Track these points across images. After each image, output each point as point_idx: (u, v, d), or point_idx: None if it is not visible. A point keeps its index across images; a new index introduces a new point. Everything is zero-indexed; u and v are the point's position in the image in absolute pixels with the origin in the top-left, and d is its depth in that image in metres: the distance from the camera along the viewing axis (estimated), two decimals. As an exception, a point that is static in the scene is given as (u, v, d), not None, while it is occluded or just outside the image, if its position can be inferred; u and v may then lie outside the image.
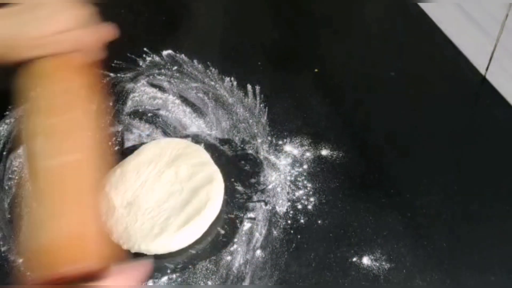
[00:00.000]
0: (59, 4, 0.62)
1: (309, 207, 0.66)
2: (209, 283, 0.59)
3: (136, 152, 0.68)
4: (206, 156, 0.68)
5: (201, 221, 0.62)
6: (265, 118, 0.75)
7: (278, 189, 0.67)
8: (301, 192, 0.67)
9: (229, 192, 0.67)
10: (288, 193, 0.67)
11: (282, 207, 0.65)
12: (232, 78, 0.80)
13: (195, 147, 0.70)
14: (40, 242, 0.51)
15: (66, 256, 0.50)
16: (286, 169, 0.69)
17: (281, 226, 0.64)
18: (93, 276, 0.50)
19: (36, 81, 0.60)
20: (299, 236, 0.63)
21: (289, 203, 0.66)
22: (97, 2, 0.71)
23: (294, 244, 0.62)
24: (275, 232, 0.63)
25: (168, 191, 0.64)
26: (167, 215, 0.62)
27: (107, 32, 0.64)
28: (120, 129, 0.73)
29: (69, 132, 0.57)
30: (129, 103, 0.76)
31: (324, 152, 0.71)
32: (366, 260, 0.61)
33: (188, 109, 0.76)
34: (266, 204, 0.66)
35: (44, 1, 0.62)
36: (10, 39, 0.61)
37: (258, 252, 0.62)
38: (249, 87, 0.78)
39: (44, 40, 0.60)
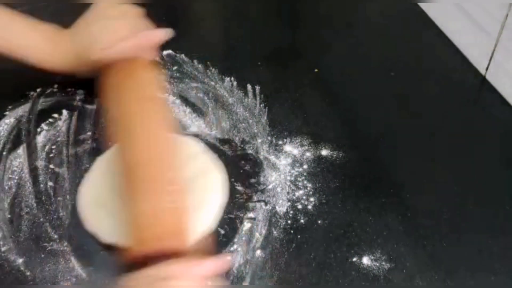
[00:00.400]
0: (119, 12, 0.70)
1: (309, 207, 0.66)
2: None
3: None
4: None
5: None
6: (265, 118, 0.75)
7: (278, 189, 0.67)
8: (301, 192, 0.67)
9: (229, 192, 0.67)
10: (288, 193, 0.67)
11: (282, 207, 0.65)
12: (232, 78, 0.80)
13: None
14: (134, 219, 0.56)
15: (151, 234, 0.55)
16: (286, 169, 0.69)
17: (281, 226, 0.64)
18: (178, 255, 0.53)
19: (113, 85, 0.66)
20: (299, 236, 0.63)
21: (289, 203, 0.66)
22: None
23: (294, 244, 0.62)
24: (275, 232, 0.63)
25: None
26: None
27: (162, 34, 0.70)
28: (120, 129, 0.73)
29: (150, 127, 0.62)
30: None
31: (324, 152, 0.71)
32: (366, 260, 0.61)
33: (188, 109, 0.76)
34: (266, 204, 0.66)
35: (105, 11, 0.70)
36: (83, 51, 0.68)
37: (258, 252, 0.62)
38: (249, 87, 0.78)
39: (111, 48, 0.67)
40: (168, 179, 0.59)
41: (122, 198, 0.59)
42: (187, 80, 0.79)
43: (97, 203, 0.64)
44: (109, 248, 0.61)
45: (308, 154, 0.71)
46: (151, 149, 0.61)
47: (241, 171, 0.69)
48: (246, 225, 0.64)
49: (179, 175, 0.60)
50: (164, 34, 0.71)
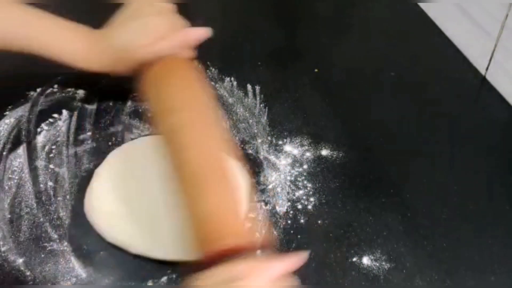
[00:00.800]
0: (155, 9, 0.69)
1: (309, 207, 0.66)
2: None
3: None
4: None
5: None
6: (265, 118, 0.75)
7: (278, 189, 0.67)
8: (301, 192, 0.67)
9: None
10: (288, 193, 0.67)
11: (282, 207, 0.65)
12: (232, 78, 0.80)
13: None
14: (194, 223, 0.55)
15: (227, 231, 0.54)
16: (286, 169, 0.69)
17: (281, 226, 0.64)
18: (247, 250, 0.52)
19: (154, 85, 0.65)
20: (299, 236, 0.63)
21: (289, 203, 0.66)
22: (100, 2, 0.72)
23: (294, 244, 0.62)
24: (275, 232, 0.63)
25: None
26: None
27: (202, 32, 0.70)
28: (120, 129, 0.73)
29: (201, 124, 0.61)
30: (129, 103, 0.76)
31: (324, 152, 0.71)
32: (366, 260, 0.61)
33: (188, 109, 0.76)
34: (266, 204, 0.66)
35: (141, 9, 0.69)
36: (122, 50, 0.68)
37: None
38: (249, 87, 0.78)
39: (150, 46, 0.66)
40: (227, 179, 0.58)
41: (174, 203, 0.58)
42: (187, 80, 0.79)
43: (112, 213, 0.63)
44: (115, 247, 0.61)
45: (308, 154, 0.71)
46: (210, 151, 0.60)
47: (241, 171, 0.69)
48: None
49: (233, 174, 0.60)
50: (204, 32, 0.70)
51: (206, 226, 0.55)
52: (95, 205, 0.64)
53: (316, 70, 0.83)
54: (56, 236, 0.62)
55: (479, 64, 0.82)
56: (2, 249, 0.61)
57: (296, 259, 0.51)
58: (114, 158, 0.69)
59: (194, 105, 0.63)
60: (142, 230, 0.62)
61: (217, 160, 0.59)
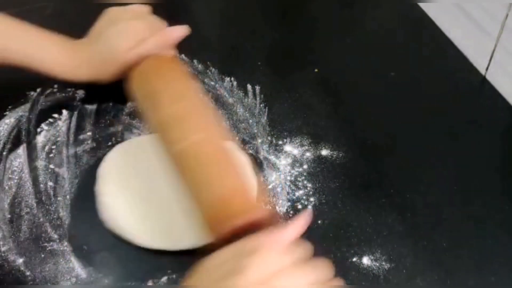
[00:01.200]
0: (131, 13, 0.71)
1: (309, 207, 0.66)
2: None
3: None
4: None
5: None
6: (265, 118, 0.75)
7: (278, 189, 0.67)
8: (301, 192, 0.67)
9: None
10: (288, 193, 0.67)
11: (282, 207, 0.65)
12: (232, 78, 0.80)
13: None
14: (202, 209, 0.55)
15: (236, 209, 0.54)
16: (286, 169, 0.69)
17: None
18: (263, 224, 0.52)
19: (142, 81, 0.67)
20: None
21: (289, 203, 0.66)
22: (99, 2, 0.72)
23: (294, 244, 0.62)
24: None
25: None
26: None
27: (180, 30, 0.71)
28: (120, 129, 0.73)
29: (190, 116, 0.62)
30: (129, 103, 0.76)
31: (324, 152, 0.71)
32: (366, 260, 0.61)
33: (188, 109, 0.76)
34: (266, 204, 0.65)
35: (117, 15, 0.70)
36: (105, 57, 0.69)
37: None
38: (249, 87, 0.78)
39: (131, 49, 0.68)
40: (232, 159, 0.59)
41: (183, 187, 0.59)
42: (187, 80, 0.79)
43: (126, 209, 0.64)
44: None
45: (308, 154, 0.71)
46: (211, 135, 0.61)
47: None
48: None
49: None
50: (182, 30, 0.71)
51: (216, 207, 0.55)
52: (114, 213, 0.64)
53: (316, 70, 0.83)
54: (56, 236, 0.62)
55: (479, 64, 0.82)
56: (2, 249, 0.61)
57: (302, 221, 0.51)
58: (116, 154, 0.69)
59: (187, 96, 0.64)
60: (159, 223, 0.62)
61: (219, 143, 0.60)
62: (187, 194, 0.58)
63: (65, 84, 0.77)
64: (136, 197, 0.64)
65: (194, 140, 0.59)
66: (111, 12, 0.71)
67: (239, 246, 0.49)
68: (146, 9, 0.72)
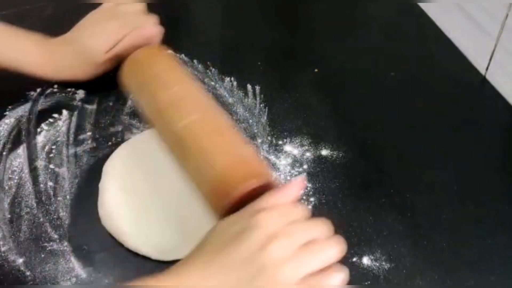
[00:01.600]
0: (113, 13, 0.72)
1: (309, 207, 0.65)
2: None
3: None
4: None
5: None
6: (265, 118, 0.75)
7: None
8: (301, 192, 0.67)
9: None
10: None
11: (282, 207, 0.65)
12: (232, 78, 0.80)
13: None
14: (209, 182, 0.55)
15: (241, 176, 0.54)
16: (286, 169, 0.69)
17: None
18: (266, 189, 0.53)
19: (134, 71, 0.67)
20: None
21: (289, 203, 0.66)
22: (99, 2, 0.72)
23: (294, 244, 0.62)
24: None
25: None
26: None
27: (153, 30, 0.72)
28: (120, 129, 0.73)
29: (186, 98, 0.62)
30: (129, 103, 0.76)
31: (324, 152, 0.71)
32: (366, 260, 0.61)
33: (188, 109, 0.76)
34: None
35: (100, 14, 0.72)
36: (82, 56, 0.71)
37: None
38: (249, 87, 0.78)
39: (109, 50, 0.70)
40: (235, 130, 0.60)
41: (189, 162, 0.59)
42: (187, 80, 0.79)
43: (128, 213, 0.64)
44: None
45: (308, 154, 0.71)
46: (212, 112, 0.61)
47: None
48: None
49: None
50: (156, 29, 0.72)
51: (226, 173, 0.54)
52: (110, 211, 0.63)
53: (316, 70, 0.83)
54: (56, 236, 0.62)
55: (479, 64, 0.82)
56: (2, 249, 0.61)
57: (298, 183, 0.53)
58: (121, 154, 0.69)
59: (184, 80, 0.65)
60: (153, 230, 0.62)
61: (218, 119, 0.60)
62: (189, 176, 0.58)
63: (65, 84, 0.77)
64: (136, 199, 0.64)
65: (192, 119, 0.59)
66: (97, 12, 0.72)
67: (247, 208, 0.51)
68: (138, 7, 0.73)
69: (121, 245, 0.61)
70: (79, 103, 0.76)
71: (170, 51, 0.72)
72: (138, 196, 0.64)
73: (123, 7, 0.73)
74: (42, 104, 0.75)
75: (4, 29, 0.71)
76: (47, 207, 0.64)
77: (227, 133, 0.59)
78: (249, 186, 0.52)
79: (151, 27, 0.72)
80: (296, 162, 0.70)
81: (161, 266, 0.60)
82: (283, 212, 0.49)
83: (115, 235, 0.62)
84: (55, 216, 0.64)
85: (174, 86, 0.63)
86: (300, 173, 0.69)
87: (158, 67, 0.67)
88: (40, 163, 0.68)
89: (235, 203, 0.52)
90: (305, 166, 0.70)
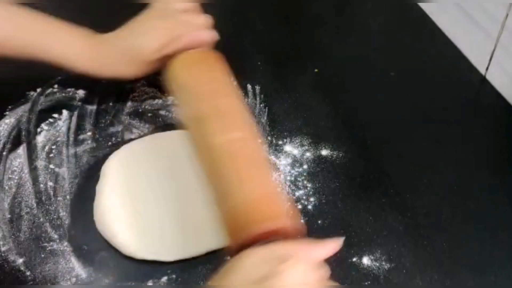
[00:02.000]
0: (167, 11, 0.70)
1: (309, 207, 0.66)
2: (209, 283, 0.59)
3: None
4: None
5: None
6: (265, 118, 0.75)
7: (278, 189, 0.67)
8: (301, 192, 0.67)
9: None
10: (288, 193, 0.67)
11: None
12: (232, 78, 0.79)
13: None
14: (235, 206, 0.54)
15: (260, 215, 0.53)
16: (286, 169, 0.69)
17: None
18: (288, 234, 0.52)
19: (182, 73, 0.66)
20: (299, 236, 0.63)
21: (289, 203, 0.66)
22: (101, 3, 0.72)
23: (294, 244, 0.62)
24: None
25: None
26: None
27: (207, 35, 0.70)
28: (120, 129, 0.73)
29: (232, 112, 0.61)
30: (129, 103, 0.76)
31: (324, 152, 0.71)
32: (366, 260, 0.61)
33: (188, 109, 0.76)
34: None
35: (160, 11, 0.70)
36: (129, 53, 0.68)
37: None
38: (249, 87, 0.78)
39: (157, 49, 0.67)
40: (267, 162, 0.59)
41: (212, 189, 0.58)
42: (187, 80, 0.79)
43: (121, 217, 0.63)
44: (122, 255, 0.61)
45: (308, 154, 0.71)
46: (250, 134, 0.60)
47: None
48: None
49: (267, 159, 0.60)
50: (210, 35, 0.70)
51: (250, 208, 0.53)
52: (103, 215, 0.63)
53: (316, 70, 0.83)
54: (56, 236, 0.62)
55: (479, 64, 0.82)
56: (2, 249, 0.61)
57: (335, 244, 0.51)
58: (118, 157, 0.69)
59: (231, 93, 0.64)
60: (145, 235, 0.62)
61: (257, 144, 0.59)
62: (215, 188, 0.57)
63: (65, 84, 0.77)
64: (131, 204, 0.64)
65: (234, 137, 0.58)
66: (150, 10, 0.70)
67: (272, 249, 0.50)
68: (190, 6, 0.71)
69: (121, 245, 0.62)
70: (79, 103, 0.76)
71: (221, 58, 0.70)
72: (132, 201, 0.64)
73: (177, 5, 0.70)
74: (42, 104, 0.75)
75: (51, 22, 0.69)
76: (47, 207, 0.64)
77: (263, 162, 0.58)
78: (277, 225, 0.52)
79: (205, 31, 0.70)
80: (296, 162, 0.70)
81: (161, 267, 0.60)
82: (309, 270, 0.48)
83: (108, 239, 0.62)
84: (55, 216, 0.64)
85: (221, 97, 0.63)
86: (300, 173, 0.69)
87: (208, 73, 0.66)
88: (40, 163, 0.68)
89: (256, 237, 0.52)
90: (305, 166, 0.70)
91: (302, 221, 0.60)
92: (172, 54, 0.68)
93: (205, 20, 0.71)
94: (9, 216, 0.63)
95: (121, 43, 0.69)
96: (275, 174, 0.68)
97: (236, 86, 0.67)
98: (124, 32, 0.70)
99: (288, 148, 0.72)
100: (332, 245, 0.51)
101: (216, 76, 0.66)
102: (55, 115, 0.74)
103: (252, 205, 0.54)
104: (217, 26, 0.72)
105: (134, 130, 0.73)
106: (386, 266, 0.60)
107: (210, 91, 0.63)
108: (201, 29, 0.70)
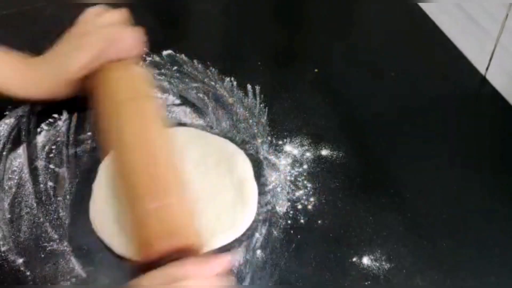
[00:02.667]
0: (94, 26, 0.69)
1: (309, 207, 0.66)
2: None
3: None
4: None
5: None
6: (265, 118, 0.75)
7: (278, 189, 0.67)
8: (301, 192, 0.67)
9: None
10: (288, 193, 0.67)
11: (282, 207, 0.65)
12: (232, 78, 0.80)
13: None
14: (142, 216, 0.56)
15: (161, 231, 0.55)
16: (286, 169, 0.69)
17: (281, 226, 0.64)
18: (188, 252, 0.54)
19: (100, 92, 0.67)
20: (299, 236, 0.63)
21: (289, 203, 0.66)
22: (100, 3, 0.72)
23: (294, 244, 0.62)
24: (275, 232, 0.63)
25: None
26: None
27: (132, 40, 0.70)
28: (120, 129, 0.73)
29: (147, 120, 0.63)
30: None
31: (324, 152, 0.71)
32: (366, 260, 0.61)
33: (188, 109, 0.76)
34: (266, 204, 0.65)
35: (84, 29, 0.70)
36: (59, 74, 0.68)
37: (258, 252, 0.61)
38: (249, 87, 0.78)
39: (84, 66, 0.67)
40: (169, 178, 0.59)
41: (121, 201, 0.59)
42: (187, 80, 0.79)
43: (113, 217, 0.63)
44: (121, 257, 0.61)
45: (308, 154, 0.71)
46: (150, 150, 0.60)
47: (241, 171, 0.69)
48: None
49: (179, 174, 0.60)
50: (132, 42, 0.70)
51: (150, 225, 0.55)
52: (96, 214, 0.63)
53: (316, 70, 0.83)
54: (56, 236, 0.62)
55: (479, 64, 0.82)
56: (2, 249, 0.61)
57: (225, 261, 0.54)
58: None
59: (137, 108, 0.64)
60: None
61: (167, 156, 0.61)
62: (125, 203, 0.59)
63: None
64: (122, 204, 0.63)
65: (139, 153, 0.60)
66: (74, 27, 0.70)
67: (170, 271, 0.52)
68: (116, 17, 0.71)
69: (121, 245, 0.62)
70: (79, 103, 0.75)
71: (140, 68, 0.70)
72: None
73: (101, 19, 0.70)
74: (42, 104, 0.75)
75: None
76: (47, 207, 0.64)
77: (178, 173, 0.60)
78: (189, 241, 0.55)
79: (128, 39, 0.70)
80: (296, 162, 0.70)
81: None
82: (204, 284, 0.52)
83: (102, 238, 0.62)
84: (55, 216, 0.64)
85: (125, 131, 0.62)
86: (300, 173, 0.69)
87: (118, 95, 0.65)
88: (40, 163, 0.68)
89: (160, 252, 0.54)
90: (305, 166, 0.70)
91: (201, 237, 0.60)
92: (100, 68, 0.68)
93: (131, 32, 0.70)
94: (9, 216, 0.63)
95: (48, 66, 0.69)
96: (275, 174, 0.68)
97: (153, 92, 0.69)
98: (50, 55, 0.70)
99: (288, 148, 0.72)
100: (222, 261, 0.54)
101: (126, 97, 0.65)
102: (55, 115, 0.74)
103: (153, 221, 0.56)
104: (217, 27, 0.72)
105: (134, 130, 0.73)
106: (386, 266, 0.61)
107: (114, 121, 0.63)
108: (126, 41, 0.69)
